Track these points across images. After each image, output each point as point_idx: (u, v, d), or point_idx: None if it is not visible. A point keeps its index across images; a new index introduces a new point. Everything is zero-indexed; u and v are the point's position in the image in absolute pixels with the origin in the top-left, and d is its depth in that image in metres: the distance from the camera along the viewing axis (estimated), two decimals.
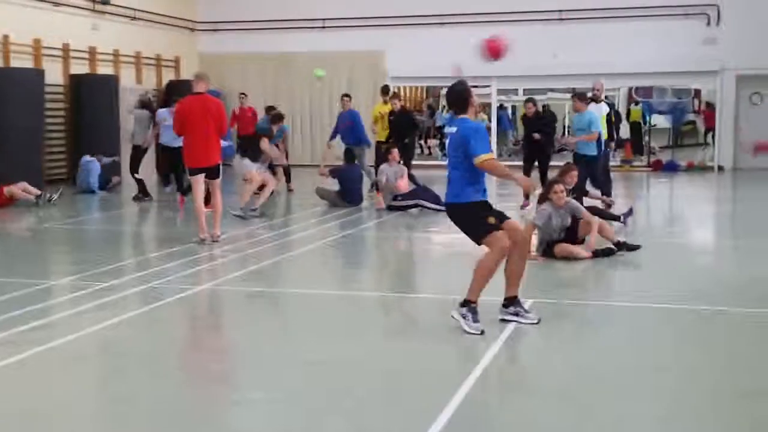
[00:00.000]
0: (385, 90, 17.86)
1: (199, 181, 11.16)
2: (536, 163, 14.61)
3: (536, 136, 14.39)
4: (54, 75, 18.64)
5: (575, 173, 11.10)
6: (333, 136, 17.12)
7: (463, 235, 6.93)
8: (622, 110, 26.51)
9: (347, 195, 14.88)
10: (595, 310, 7.83)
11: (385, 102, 17.23)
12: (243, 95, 21.04)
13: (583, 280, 9.23)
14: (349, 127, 16.60)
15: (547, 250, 9.93)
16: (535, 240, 9.70)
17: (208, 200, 11.38)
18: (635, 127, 27.16)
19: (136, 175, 16.14)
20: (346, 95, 17.55)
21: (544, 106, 14.72)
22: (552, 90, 27.79)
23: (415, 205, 14.12)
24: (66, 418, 5.12)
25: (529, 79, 23.88)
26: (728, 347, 6.53)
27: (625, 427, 4.91)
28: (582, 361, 6.16)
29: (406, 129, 16.51)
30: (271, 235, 12.03)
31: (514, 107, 29.87)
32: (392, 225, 13.19)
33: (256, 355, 6.31)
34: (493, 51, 6.97)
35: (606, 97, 15.53)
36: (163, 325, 7.35)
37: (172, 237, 12.08)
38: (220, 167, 11.35)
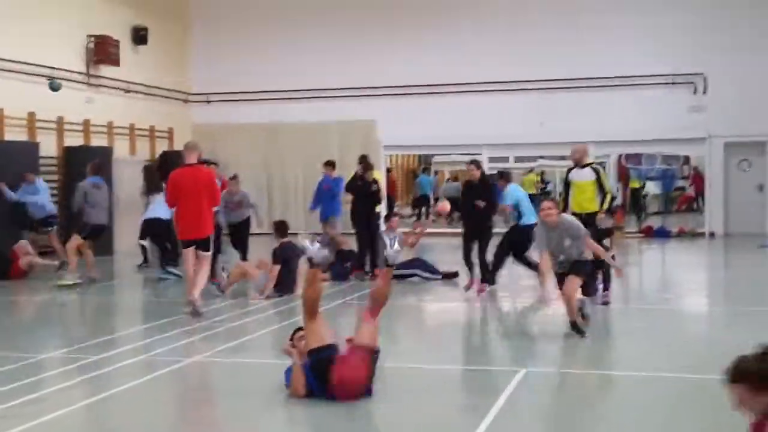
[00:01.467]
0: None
1: (189, 253, 11.11)
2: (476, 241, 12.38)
3: (479, 203, 12.55)
4: (48, 147, 18.77)
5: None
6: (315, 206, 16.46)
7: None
8: (612, 177, 26.51)
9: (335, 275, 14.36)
10: (588, 379, 7.81)
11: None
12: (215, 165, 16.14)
13: (574, 348, 9.16)
14: (332, 195, 16.03)
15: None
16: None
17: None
18: (635, 194, 27.57)
19: (142, 242, 16.57)
20: (331, 162, 16.84)
21: (483, 174, 13.24)
22: (542, 157, 28.16)
23: (412, 275, 14.14)
24: None
25: (519, 147, 24.13)
26: (725, 416, 6.50)
27: None
28: None
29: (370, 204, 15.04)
30: (263, 305, 12.00)
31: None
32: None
33: (250, 428, 6.27)
34: None
35: (597, 163, 13.88)
36: (154, 399, 7.31)
37: (162, 308, 12.03)
38: (211, 239, 11.33)
